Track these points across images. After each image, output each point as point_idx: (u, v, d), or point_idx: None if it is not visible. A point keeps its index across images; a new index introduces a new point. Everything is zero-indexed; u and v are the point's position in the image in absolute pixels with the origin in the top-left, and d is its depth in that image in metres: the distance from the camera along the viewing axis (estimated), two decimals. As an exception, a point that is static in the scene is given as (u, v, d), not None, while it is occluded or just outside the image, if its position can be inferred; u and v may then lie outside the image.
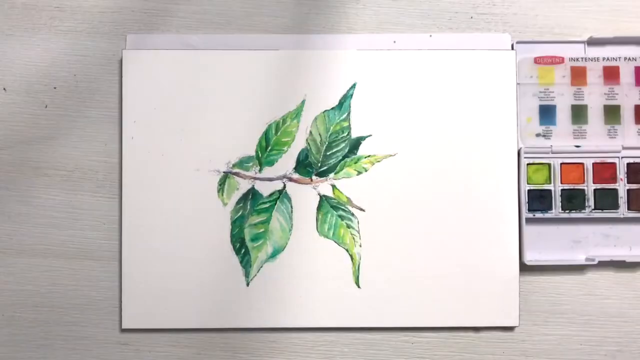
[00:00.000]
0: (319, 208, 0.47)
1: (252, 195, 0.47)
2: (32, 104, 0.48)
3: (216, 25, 0.49)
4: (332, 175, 0.48)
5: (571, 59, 0.48)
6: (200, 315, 0.47)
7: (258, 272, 0.47)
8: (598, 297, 0.48)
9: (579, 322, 0.48)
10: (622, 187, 0.47)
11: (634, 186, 0.47)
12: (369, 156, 0.48)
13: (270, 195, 0.47)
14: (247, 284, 0.47)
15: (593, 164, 0.48)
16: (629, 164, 0.48)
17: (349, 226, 0.47)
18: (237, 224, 0.47)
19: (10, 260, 0.48)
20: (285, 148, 0.47)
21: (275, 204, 0.47)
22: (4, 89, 0.48)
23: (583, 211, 0.47)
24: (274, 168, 0.47)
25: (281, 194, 0.47)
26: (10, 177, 0.48)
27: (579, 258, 0.48)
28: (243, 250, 0.47)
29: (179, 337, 0.48)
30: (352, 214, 0.47)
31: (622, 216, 0.47)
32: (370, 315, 0.47)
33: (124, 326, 0.47)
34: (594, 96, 0.48)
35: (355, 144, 0.48)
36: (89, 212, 0.48)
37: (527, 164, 0.47)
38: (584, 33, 0.49)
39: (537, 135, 0.48)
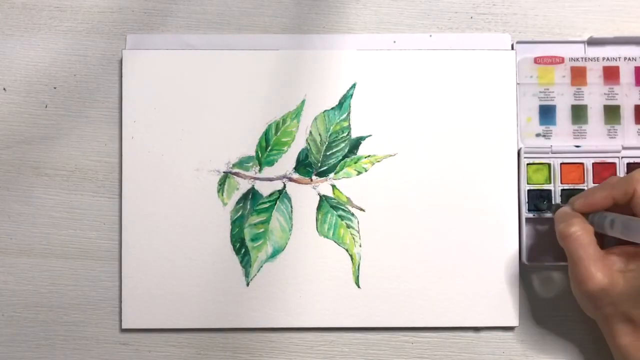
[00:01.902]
0: (318, 208, 0.47)
1: (252, 195, 0.47)
2: (32, 104, 0.48)
3: (216, 25, 0.49)
4: (332, 175, 0.48)
5: (571, 59, 0.48)
6: (200, 315, 0.47)
7: (258, 272, 0.47)
8: (598, 297, 0.48)
9: (579, 322, 0.48)
10: (622, 187, 0.47)
11: (634, 186, 0.47)
12: (369, 156, 0.48)
13: (270, 195, 0.47)
14: (247, 284, 0.47)
15: (593, 164, 0.48)
16: (629, 164, 0.48)
17: (349, 226, 0.47)
18: (237, 224, 0.47)
19: (10, 260, 0.48)
20: (285, 148, 0.48)
21: (275, 204, 0.47)
22: (4, 89, 0.48)
23: (583, 211, 0.47)
24: (274, 168, 0.47)
25: (281, 194, 0.47)
26: (10, 177, 0.48)
27: (579, 258, 0.48)
28: (243, 250, 0.47)
29: (179, 337, 0.48)
30: (352, 214, 0.47)
31: (622, 216, 0.47)
32: (370, 315, 0.47)
33: (124, 326, 0.47)
34: (594, 96, 0.48)
35: (355, 144, 0.48)
36: (89, 212, 0.48)
37: (527, 164, 0.47)
38: (584, 33, 0.49)
39: (537, 135, 0.48)
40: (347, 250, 0.47)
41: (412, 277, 0.47)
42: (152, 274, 0.47)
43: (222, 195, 0.47)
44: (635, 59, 0.48)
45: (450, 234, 0.47)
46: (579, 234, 0.41)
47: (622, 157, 0.48)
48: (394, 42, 0.48)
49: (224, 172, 0.47)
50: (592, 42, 0.48)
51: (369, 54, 0.48)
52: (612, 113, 0.48)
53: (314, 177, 0.48)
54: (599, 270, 0.40)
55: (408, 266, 0.47)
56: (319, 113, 0.48)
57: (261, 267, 0.47)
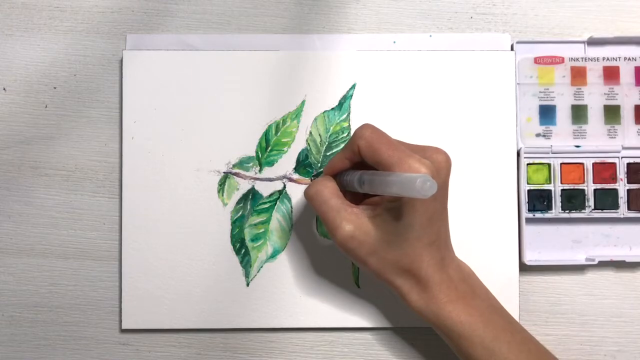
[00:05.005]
0: (319, 208, 0.47)
1: (252, 195, 0.47)
2: (32, 104, 0.48)
3: (216, 25, 0.49)
4: (332, 175, 0.48)
5: (571, 59, 0.48)
6: (200, 315, 0.47)
7: (258, 272, 0.47)
8: (598, 297, 0.48)
9: (578, 322, 0.48)
10: (622, 187, 0.47)
11: (634, 186, 0.47)
12: (369, 156, 0.47)
13: (270, 195, 0.47)
14: (247, 284, 0.47)
15: (593, 164, 0.48)
16: (629, 164, 0.48)
17: (349, 226, 0.47)
18: (237, 224, 0.47)
19: (10, 260, 0.48)
20: (285, 148, 0.48)
21: (275, 204, 0.47)
22: (4, 89, 0.48)
23: (583, 211, 0.47)
24: (274, 168, 0.47)
25: (281, 194, 0.47)
26: (10, 177, 0.48)
27: (579, 258, 0.48)
28: (243, 251, 0.47)
29: (179, 337, 0.48)
30: (352, 214, 0.47)
31: (622, 216, 0.47)
32: (370, 315, 0.47)
33: (124, 326, 0.47)
34: (594, 96, 0.48)
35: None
36: (89, 212, 0.48)
37: (527, 164, 0.47)
38: (584, 33, 0.49)
39: (537, 135, 0.48)
40: (347, 251, 0.47)
41: (412, 277, 0.47)
42: (152, 274, 0.47)
43: (222, 195, 0.47)
44: (635, 59, 0.48)
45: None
46: (318, 190, 0.41)
47: (622, 157, 0.48)
48: (394, 42, 0.48)
49: (224, 172, 0.47)
50: (592, 42, 0.48)
51: (369, 55, 0.48)
52: (612, 113, 0.48)
53: (314, 178, 0.48)
54: (344, 219, 0.40)
55: (408, 266, 0.47)
56: (319, 113, 0.48)
57: (261, 267, 0.47)
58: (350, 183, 0.41)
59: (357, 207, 0.41)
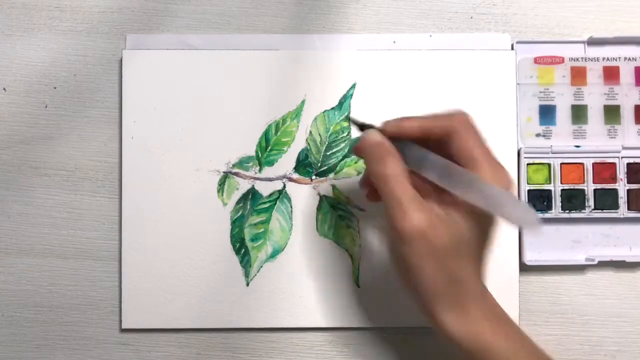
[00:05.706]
0: (318, 208, 0.47)
1: (252, 195, 0.47)
2: (32, 104, 0.48)
3: (216, 25, 0.49)
4: (332, 175, 0.48)
5: (571, 59, 0.48)
6: (200, 315, 0.47)
7: (258, 272, 0.47)
8: (598, 297, 0.48)
9: (579, 322, 0.48)
10: (622, 187, 0.47)
11: (634, 186, 0.47)
12: (369, 156, 0.47)
13: (270, 195, 0.47)
14: (247, 284, 0.47)
15: (593, 164, 0.48)
16: (629, 164, 0.48)
17: (349, 226, 0.47)
18: (237, 224, 0.47)
19: (10, 260, 0.48)
20: (285, 148, 0.48)
21: (275, 204, 0.47)
22: (4, 89, 0.48)
23: (583, 211, 0.47)
24: (273, 168, 0.47)
25: (281, 194, 0.47)
26: (10, 177, 0.48)
27: (579, 258, 0.48)
28: (243, 250, 0.47)
29: (179, 337, 0.48)
30: (352, 214, 0.47)
31: (622, 216, 0.47)
32: (370, 315, 0.47)
33: (124, 326, 0.47)
34: (594, 96, 0.48)
35: (355, 144, 0.48)
36: (89, 212, 0.48)
37: (527, 164, 0.47)
38: (584, 33, 0.49)
39: (537, 135, 0.48)
40: (347, 250, 0.47)
41: (412, 277, 0.47)
42: (152, 274, 0.47)
43: (222, 195, 0.47)
44: (635, 59, 0.48)
45: (450, 234, 0.47)
46: (397, 174, 0.37)
47: (622, 157, 0.48)
48: (394, 42, 0.48)
49: (224, 172, 0.47)
50: (592, 42, 0.48)
51: (369, 54, 0.48)
52: (612, 113, 0.48)
53: (314, 177, 0.48)
54: (417, 209, 0.36)
55: (408, 266, 0.47)
56: (319, 113, 0.48)
57: (261, 267, 0.47)
58: (419, 161, 0.37)
59: (428, 202, 0.37)
